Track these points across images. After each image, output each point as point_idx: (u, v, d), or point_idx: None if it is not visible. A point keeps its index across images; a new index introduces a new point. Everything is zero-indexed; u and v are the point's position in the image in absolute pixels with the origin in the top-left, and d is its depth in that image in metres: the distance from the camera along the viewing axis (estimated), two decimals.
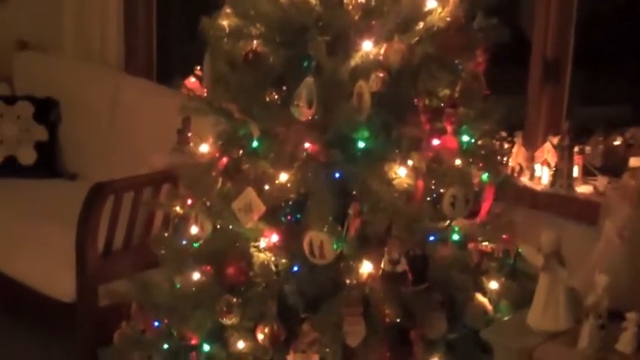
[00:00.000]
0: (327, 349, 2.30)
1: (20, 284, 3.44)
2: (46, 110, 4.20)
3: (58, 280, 3.32)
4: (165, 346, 2.61)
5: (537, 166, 3.09)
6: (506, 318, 2.21)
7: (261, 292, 2.37)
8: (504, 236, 2.51)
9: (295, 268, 2.37)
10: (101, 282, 3.23)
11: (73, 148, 4.24)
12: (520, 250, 2.36)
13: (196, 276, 2.53)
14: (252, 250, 2.41)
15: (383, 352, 2.28)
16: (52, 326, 3.49)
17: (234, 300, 2.39)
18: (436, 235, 2.37)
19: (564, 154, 3.01)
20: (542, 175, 3.08)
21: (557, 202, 3.02)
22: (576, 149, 3.02)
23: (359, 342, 2.26)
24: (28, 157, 4.15)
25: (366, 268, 2.29)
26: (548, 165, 3.06)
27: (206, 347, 2.46)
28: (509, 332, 2.04)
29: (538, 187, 3.08)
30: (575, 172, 3.03)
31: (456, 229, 2.42)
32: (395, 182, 2.30)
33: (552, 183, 3.05)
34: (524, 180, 3.11)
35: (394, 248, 2.27)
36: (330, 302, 2.30)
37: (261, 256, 2.39)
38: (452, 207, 2.33)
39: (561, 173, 3.02)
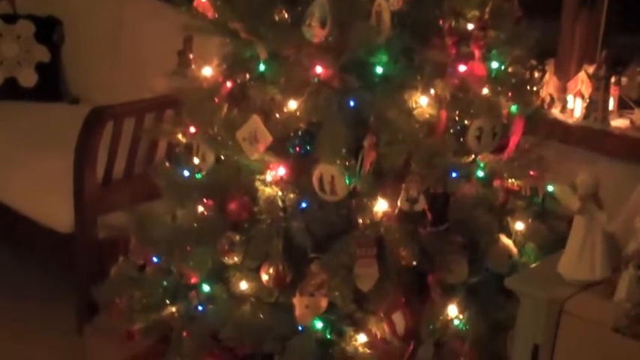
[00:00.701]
0: (337, 293, 2.12)
1: (18, 213, 3.26)
2: (48, 30, 3.97)
3: (55, 210, 3.14)
4: (164, 283, 2.43)
5: (570, 98, 2.86)
6: (533, 265, 2.01)
7: (266, 230, 2.17)
8: (533, 173, 2.29)
9: (304, 205, 2.17)
10: (100, 213, 3.05)
11: (76, 71, 4.02)
12: (553, 189, 2.15)
13: (198, 210, 2.34)
14: (257, 183, 2.21)
15: (397, 297, 2.09)
16: (50, 257, 3.33)
17: (237, 237, 2.20)
18: (459, 171, 2.15)
19: (599, 85, 2.79)
20: (575, 108, 2.85)
21: (591, 137, 2.80)
22: (612, 80, 2.79)
23: (371, 286, 2.07)
24: (28, 78, 3.93)
25: (381, 206, 2.09)
26: (582, 96, 2.83)
27: (206, 287, 2.28)
28: (537, 281, 1.84)
29: (570, 120, 2.86)
30: (611, 104, 2.80)
31: (481, 164, 2.20)
32: (415, 112, 2.08)
33: (586, 116, 2.82)
34: (555, 112, 2.88)
35: (413, 185, 2.06)
36: (341, 242, 2.10)
37: (267, 190, 2.19)
38: (477, 140, 2.12)
39: (596, 105, 2.79)
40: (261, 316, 2.17)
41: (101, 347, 2.90)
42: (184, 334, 2.30)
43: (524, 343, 1.80)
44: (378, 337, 2.11)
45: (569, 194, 1.80)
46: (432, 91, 2.09)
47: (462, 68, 2.10)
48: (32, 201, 3.22)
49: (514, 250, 2.24)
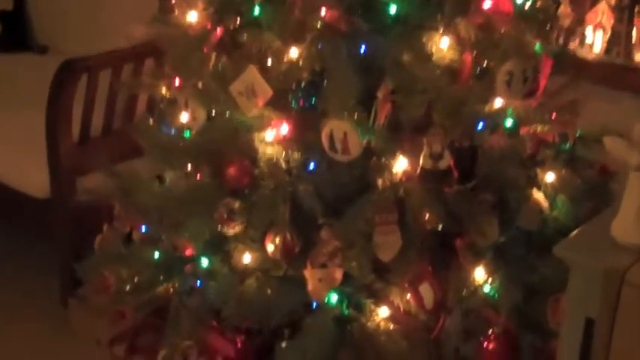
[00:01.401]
0: (354, 263, 1.88)
1: None
2: None
3: (29, 173, 2.88)
4: (156, 256, 2.18)
5: (589, 31, 2.61)
6: (580, 228, 1.78)
7: (269, 195, 1.92)
8: (562, 118, 2.06)
9: (311, 166, 1.93)
10: (78, 175, 2.80)
11: (43, 17, 3.70)
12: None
13: (189, 174, 2.08)
14: (256, 143, 1.95)
15: (423, 266, 1.86)
16: (28, 227, 3.08)
17: (237, 205, 1.95)
18: (486, 121, 1.91)
19: (622, 16, 2.53)
20: (595, 42, 2.59)
21: (613, 73, 2.55)
22: (637, 9, 2.53)
23: (393, 255, 1.84)
24: None
25: (400, 164, 1.84)
26: (603, 29, 2.57)
27: (204, 261, 2.04)
28: (588, 247, 1.61)
29: (589, 56, 2.60)
30: (634, 37, 2.55)
31: (510, 112, 1.95)
32: (435, 56, 1.82)
33: (607, 50, 2.58)
34: (572, 47, 2.63)
35: (435, 139, 1.82)
36: (356, 207, 1.86)
37: (269, 150, 1.93)
38: (507, 86, 1.87)
39: (618, 39, 2.55)
40: (269, 291, 1.94)
41: (87, 320, 2.68)
42: (182, 311, 2.06)
43: (576, 317, 1.58)
44: (402, 309, 1.89)
45: (624, 147, 1.56)
46: (454, 32, 1.83)
47: (487, 4, 1.84)
48: (2, 164, 2.94)
49: (545, 204, 2.01)
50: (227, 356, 2.35)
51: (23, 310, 2.98)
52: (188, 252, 2.09)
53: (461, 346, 1.95)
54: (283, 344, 2.10)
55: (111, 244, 2.35)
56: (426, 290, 1.83)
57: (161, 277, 2.09)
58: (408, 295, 1.85)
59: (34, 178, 2.85)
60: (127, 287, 2.06)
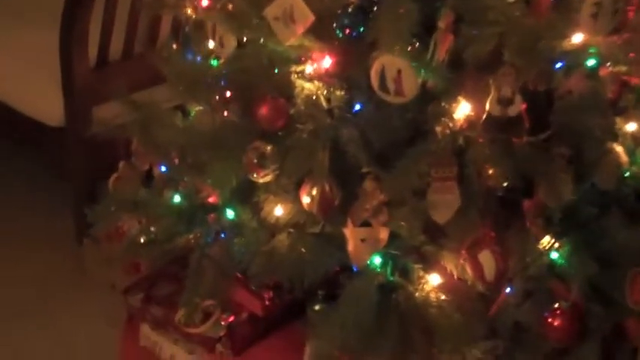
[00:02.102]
0: (402, 223, 1.62)
1: (4, 105, 2.74)
2: None
3: (43, 99, 2.64)
4: (176, 199, 1.94)
5: None
6: None
7: (307, 140, 1.65)
8: None
9: (357, 107, 1.65)
10: (94, 102, 2.55)
11: None
12: None
13: (216, 109, 1.82)
14: (293, 77, 1.67)
15: (484, 230, 1.59)
16: (42, 157, 2.86)
17: (269, 149, 1.69)
18: (566, 60, 1.61)
19: None
20: None
21: None
22: None
23: (450, 217, 1.57)
24: None
25: (462, 110, 1.56)
26: None
27: (230, 213, 1.79)
28: None
29: None
30: None
31: (593, 50, 1.65)
32: None
33: None
34: None
35: (506, 80, 1.53)
36: (408, 158, 1.58)
37: (307, 86, 1.65)
38: (593, 19, 1.57)
39: None
40: (302, 250, 1.69)
41: (102, 263, 2.47)
42: (203, 264, 1.82)
43: None
44: (456, 278, 1.63)
45: None
46: None
47: None
48: (17, 90, 2.70)
49: (625, 158, 1.72)
50: (253, 313, 2.13)
51: (36, 246, 2.78)
52: (212, 199, 1.84)
53: (521, 321, 1.69)
54: (317, 307, 1.86)
55: (127, 184, 2.10)
56: (486, 259, 1.57)
57: (181, 227, 1.84)
58: (465, 264, 1.59)
59: (47, 105, 2.62)
60: (142, 238, 1.81)
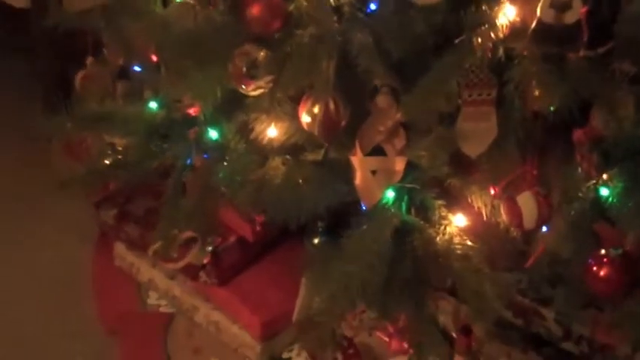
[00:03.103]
0: (423, 152, 1.32)
1: None
2: None
3: None
4: (152, 108, 1.63)
5: None
6: None
7: (309, 45, 1.33)
8: None
9: (372, 7, 1.32)
10: None
11: None
12: None
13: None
14: None
15: (525, 167, 1.29)
16: (9, 44, 2.53)
17: (262, 55, 1.37)
18: None
19: None
20: None
21: None
22: None
23: (484, 149, 1.27)
24: None
25: (506, 14, 1.23)
26: None
27: (212, 133, 1.48)
28: None
29: None
30: None
31: None
32: None
33: None
34: None
35: None
36: (435, 74, 1.26)
37: None
38: None
39: None
40: (299, 180, 1.39)
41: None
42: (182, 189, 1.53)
43: None
44: (485, 219, 1.34)
45: None
46: None
47: None
48: None
49: None
50: (242, 238, 1.86)
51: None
52: (193, 111, 1.53)
53: (560, 269, 1.42)
54: (315, 240, 1.59)
55: (96, 84, 1.79)
56: (526, 202, 1.27)
57: (155, 145, 1.53)
58: (500, 206, 1.29)
59: None
60: (108, 159, 1.51)
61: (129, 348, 1.89)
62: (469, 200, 1.36)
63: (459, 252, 1.32)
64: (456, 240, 1.34)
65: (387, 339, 1.67)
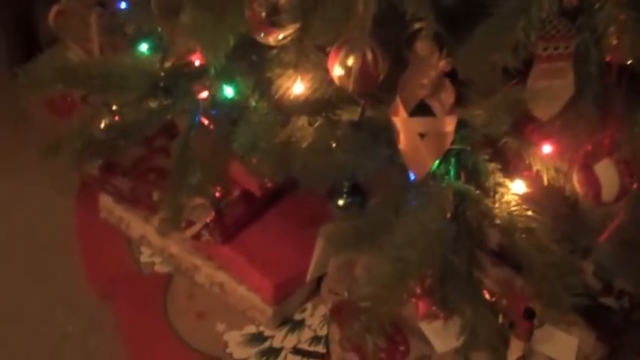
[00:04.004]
0: (477, 112, 1.14)
1: None
2: None
3: None
4: (143, 48, 1.41)
5: None
6: None
7: None
8: None
9: None
10: None
11: None
12: None
13: None
14: None
15: (604, 131, 1.11)
16: None
17: None
18: None
19: None
20: None
21: None
22: None
23: (557, 111, 1.09)
24: None
25: None
26: None
27: (227, 90, 1.27)
28: None
29: None
30: None
31: None
32: None
33: None
34: None
35: None
36: (496, 20, 1.07)
37: None
38: None
39: None
40: (332, 143, 1.20)
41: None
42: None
43: None
44: (549, 185, 1.17)
45: None
46: None
47: None
48: None
49: None
50: (247, 191, 1.67)
51: None
52: (197, 58, 1.31)
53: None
54: (340, 201, 1.40)
55: (73, 21, 1.56)
56: (606, 171, 1.10)
57: (154, 102, 1.31)
58: (573, 176, 1.12)
59: None
60: (103, 121, 1.30)
61: (125, 313, 1.72)
62: (527, 162, 1.19)
63: (521, 225, 1.15)
64: (516, 211, 1.17)
65: (414, 300, 1.52)
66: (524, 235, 1.14)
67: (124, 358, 1.65)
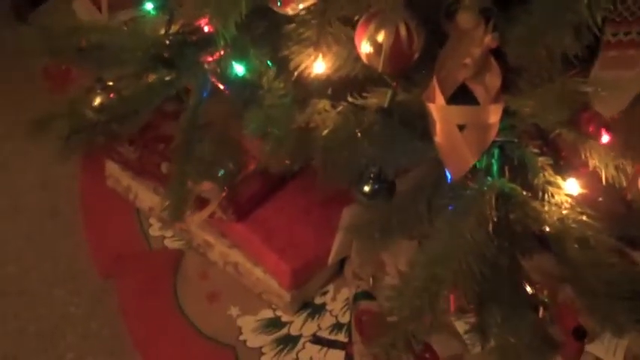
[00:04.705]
0: (530, 102, 0.97)
1: None
2: None
3: None
4: (148, 7, 1.25)
5: None
6: None
7: None
8: None
9: None
10: None
11: None
12: None
13: None
14: None
15: None
16: None
17: None
18: None
19: None
20: None
21: None
22: None
23: (623, 107, 0.92)
24: None
25: None
26: None
27: (238, 68, 1.11)
28: None
29: None
30: None
31: None
32: None
33: None
34: None
35: None
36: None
37: None
38: None
39: None
40: (357, 132, 1.04)
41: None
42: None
43: None
44: (607, 185, 1.01)
45: None
46: None
47: None
48: None
49: None
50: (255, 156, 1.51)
51: None
52: (208, 27, 1.15)
53: None
54: (366, 187, 1.24)
55: None
56: None
57: (158, 72, 1.16)
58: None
59: None
60: (97, 98, 1.14)
61: (130, 294, 1.59)
62: (583, 158, 1.02)
63: (574, 233, 0.99)
64: (569, 215, 1.01)
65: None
66: (576, 246, 0.99)
67: (128, 344, 1.52)
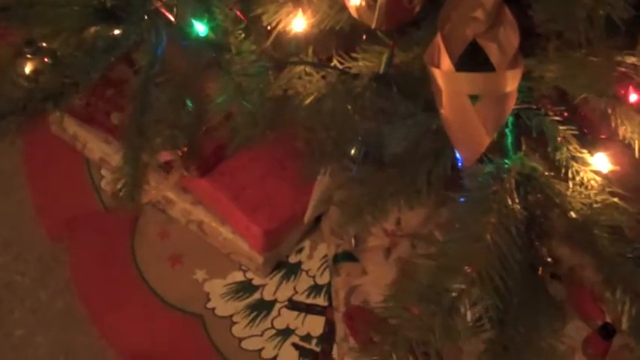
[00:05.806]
0: (550, 67, 0.80)
1: None
2: None
3: None
4: None
5: None
6: None
7: None
8: None
9: None
10: None
11: None
12: None
13: None
14: None
15: None
16: None
17: None
18: None
19: None
20: None
21: None
22: None
23: None
24: None
25: None
26: None
27: (199, 27, 0.91)
28: None
29: None
30: None
31: None
32: None
33: None
34: None
35: None
36: None
37: None
38: None
39: None
40: (349, 107, 0.87)
41: None
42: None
43: None
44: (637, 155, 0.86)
45: None
46: None
47: None
48: None
49: None
50: (229, 114, 1.33)
51: None
52: None
53: None
54: (353, 150, 1.07)
55: None
56: None
57: (102, 32, 0.96)
58: None
59: None
60: (30, 64, 0.94)
61: (82, 259, 1.42)
62: (613, 127, 0.87)
63: (603, 219, 0.84)
64: (597, 197, 0.86)
65: None
66: (606, 235, 0.84)
67: (83, 315, 1.36)
